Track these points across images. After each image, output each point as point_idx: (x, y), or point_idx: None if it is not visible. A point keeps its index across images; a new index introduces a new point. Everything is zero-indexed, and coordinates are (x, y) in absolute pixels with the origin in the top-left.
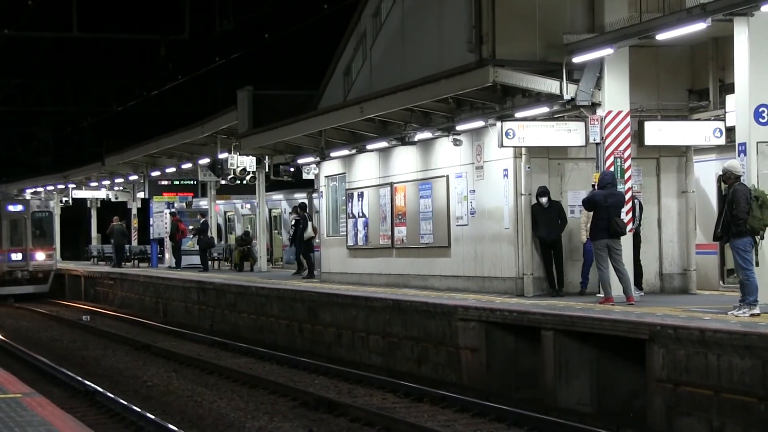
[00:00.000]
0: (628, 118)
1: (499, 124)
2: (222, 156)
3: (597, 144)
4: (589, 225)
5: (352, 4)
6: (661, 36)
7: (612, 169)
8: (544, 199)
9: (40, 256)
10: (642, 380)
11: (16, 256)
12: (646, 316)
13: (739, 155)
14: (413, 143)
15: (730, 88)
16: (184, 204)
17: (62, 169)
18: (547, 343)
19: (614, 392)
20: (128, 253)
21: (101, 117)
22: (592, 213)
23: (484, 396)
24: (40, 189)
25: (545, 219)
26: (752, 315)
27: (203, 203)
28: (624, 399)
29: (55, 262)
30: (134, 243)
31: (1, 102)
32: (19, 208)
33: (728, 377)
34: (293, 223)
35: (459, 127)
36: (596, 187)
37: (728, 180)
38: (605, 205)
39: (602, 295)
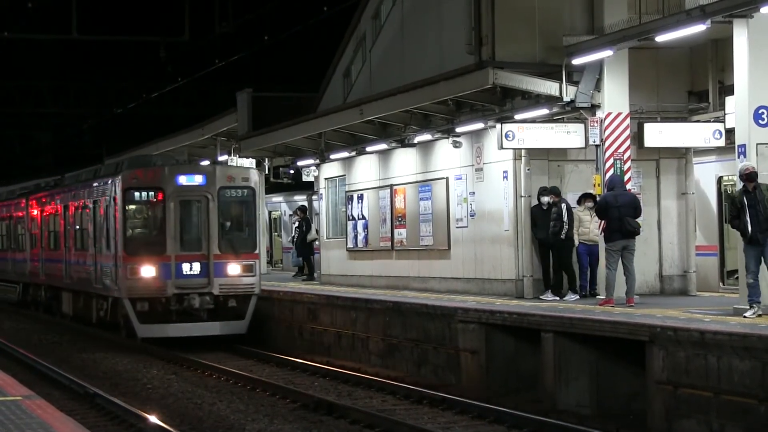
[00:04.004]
0: (628, 120)
1: (498, 126)
2: (222, 158)
3: (597, 146)
4: (581, 229)
5: (351, 6)
6: (661, 38)
7: (612, 170)
8: (545, 199)
9: (233, 268)
10: (642, 382)
11: (191, 269)
12: (646, 318)
13: (738, 157)
14: (413, 145)
15: (729, 90)
16: None
17: (62, 171)
18: (547, 345)
19: (614, 394)
20: None
21: (101, 119)
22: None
23: (484, 398)
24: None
25: (545, 220)
26: None
27: None
28: (624, 401)
29: (259, 280)
30: None
31: (1, 103)
32: (198, 180)
33: (728, 379)
34: (296, 225)
35: (459, 129)
36: (605, 190)
37: (753, 179)
38: (616, 205)
39: (603, 297)
